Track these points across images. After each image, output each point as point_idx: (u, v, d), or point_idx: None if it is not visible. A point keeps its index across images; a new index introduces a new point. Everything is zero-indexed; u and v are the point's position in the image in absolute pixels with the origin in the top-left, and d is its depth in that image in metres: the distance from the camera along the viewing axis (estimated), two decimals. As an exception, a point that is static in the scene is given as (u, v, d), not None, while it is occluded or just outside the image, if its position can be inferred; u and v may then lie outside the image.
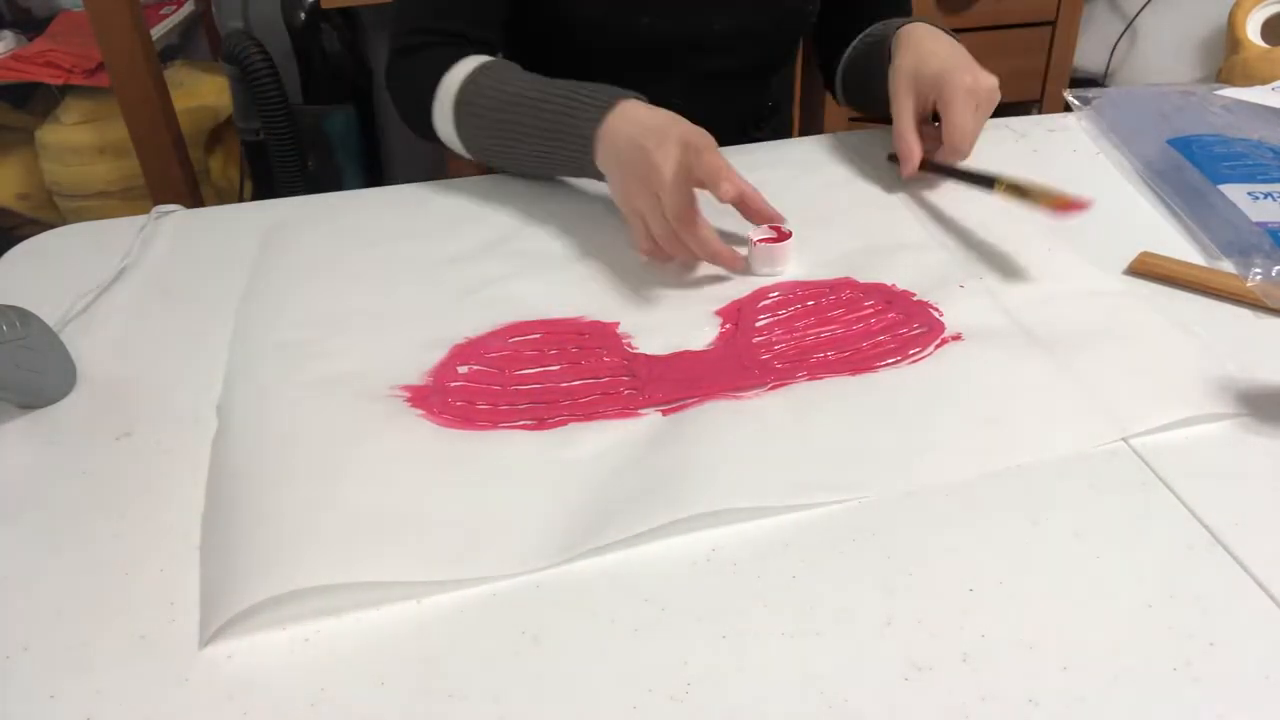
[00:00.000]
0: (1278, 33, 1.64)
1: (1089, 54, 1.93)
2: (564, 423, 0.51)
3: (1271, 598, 0.41)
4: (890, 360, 0.55)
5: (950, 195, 0.74)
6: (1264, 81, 1.54)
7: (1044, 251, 0.65)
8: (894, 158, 0.75)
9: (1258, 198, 0.69)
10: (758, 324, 0.59)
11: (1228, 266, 0.64)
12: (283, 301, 0.62)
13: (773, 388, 0.53)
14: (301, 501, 0.46)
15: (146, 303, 0.63)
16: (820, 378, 0.54)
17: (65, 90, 1.66)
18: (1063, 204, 0.62)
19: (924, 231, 0.69)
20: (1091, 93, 0.87)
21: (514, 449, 0.50)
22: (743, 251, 0.62)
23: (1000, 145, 0.82)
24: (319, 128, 1.75)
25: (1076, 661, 0.39)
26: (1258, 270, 0.61)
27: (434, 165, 1.92)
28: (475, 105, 0.72)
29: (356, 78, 1.84)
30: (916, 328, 0.58)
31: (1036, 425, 0.50)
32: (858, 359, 0.56)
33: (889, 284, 0.62)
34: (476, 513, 0.46)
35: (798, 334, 0.58)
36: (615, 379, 0.54)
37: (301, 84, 1.70)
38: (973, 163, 0.71)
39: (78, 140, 1.67)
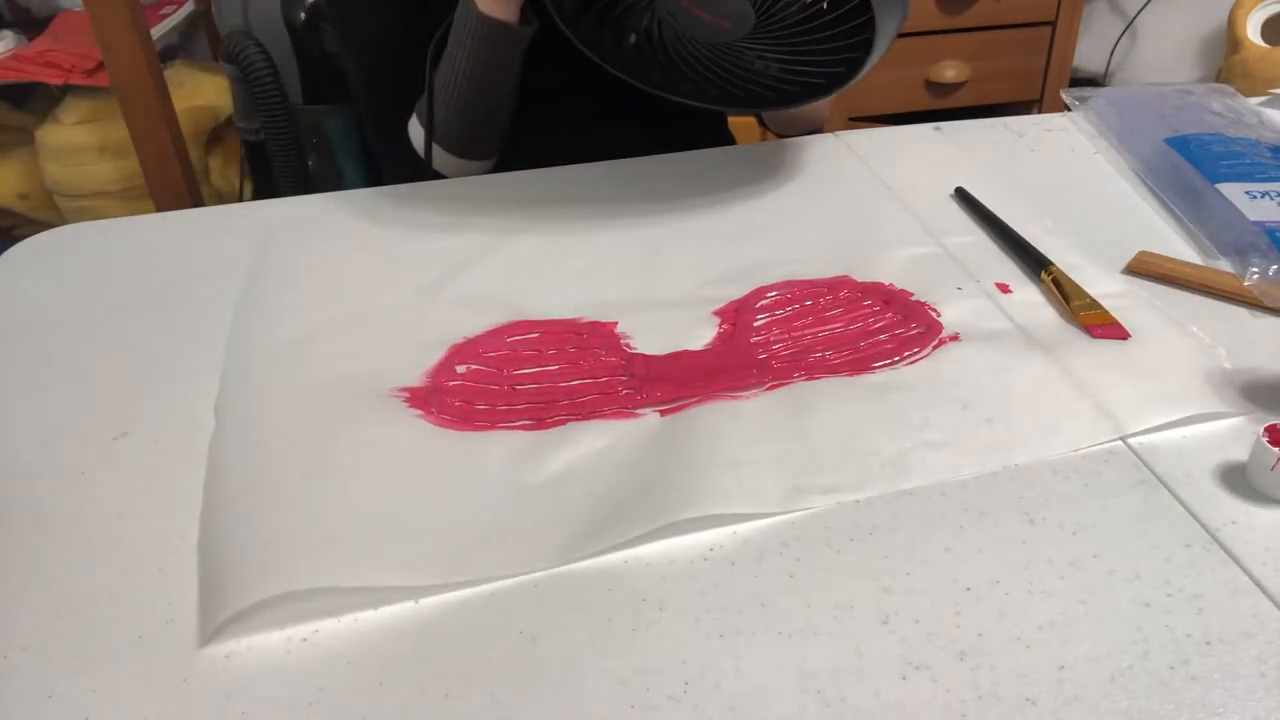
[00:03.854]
0: (1278, 33, 1.64)
1: (1089, 54, 1.93)
2: (562, 422, 0.51)
3: (1269, 597, 0.41)
4: (888, 360, 0.55)
5: (947, 196, 0.74)
6: (1264, 81, 1.55)
7: (1041, 252, 0.65)
8: (961, 191, 0.73)
9: (1255, 197, 0.69)
10: (756, 324, 0.59)
11: (1225, 265, 0.64)
12: (282, 302, 0.62)
13: (771, 388, 0.53)
14: (300, 503, 0.46)
15: (146, 303, 0.63)
16: (818, 377, 0.54)
17: (65, 90, 1.66)
18: (1100, 325, 0.57)
19: (922, 231, 0.69)
20: (1089, 92, 0.87)
21: (513, 449, 0.50)
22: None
23: (999, 145, 0.82)
24: (319, 128, 1.75)
25: (1074, 660, 0.39)
26: (1255, 269, 0.62)
27: (434, 165, 1.92)
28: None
29: (356, 78, 1.84)
30: (914, 328, 0.58)
31: (1034, 425, 0.50)
32: (856, 359, 0.56)
33: (886, 283, 0.62)
34: (475, 515, 0.46)
35: (796, 334, 0.58)
36: (613, 379, 0.55)
37: (301, 84, 1.70)
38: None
39: (78, 140, 1.67)
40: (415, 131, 0.82)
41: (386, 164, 0.91)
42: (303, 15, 1.65)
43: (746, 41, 0.64)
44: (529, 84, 0.80)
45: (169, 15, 1.72)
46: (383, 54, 0.84)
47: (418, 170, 0.82)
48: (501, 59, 0.75)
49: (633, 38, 0.69)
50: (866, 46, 0.61)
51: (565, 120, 0.84)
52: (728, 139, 1.02)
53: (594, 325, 0.59)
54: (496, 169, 0.84)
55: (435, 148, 0.81)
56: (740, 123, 1.83)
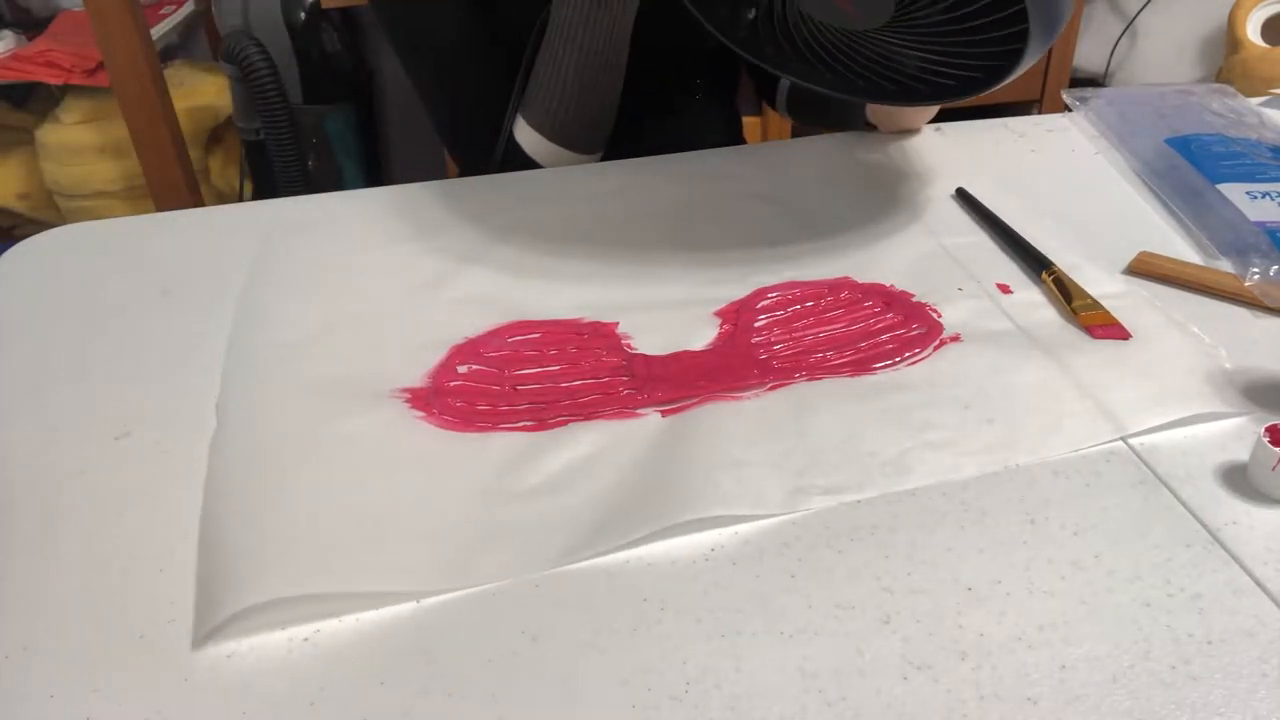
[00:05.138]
0: (1278, 33, 1.64)
1: (1089, 54, 1.93)
2: (564, 423, 0.51)
3: (1270, 597, 0.41)
4: (889, 361, 0.55)
5: (947, 196, 0.74)
6: (1264, 81, 1.54)
7: (1042, 252, 0.65)
8: (961, 192, 0.73)
9: (1256, 197, 0.69)
10: (757, 324, 0.59)
11: (1226, 266, 0.64)
12: (282, 302, 0.62)
13: (771, 388, 0.53)
14: (301, 504, 0.46)
15: (146, 303, 0.63)
16: (819, 378, 0.54)
17: (65, 90, 1.66)
18: (1100, 325, 0.57)
19: (922, 232, 0.69)
20: (1089, 92, 0.87)
21: (514, 450, 0.50)
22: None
23: (999, 145, 0.82)
24: (319, 128, 1.75)
25: (1075, 660, 0.39)
26: (1256, 269, 0.62)
27: (434, 166, 1.92)
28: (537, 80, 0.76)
29: (356, 78, 1.84)
30: (915, 328, 0.58)
31: (1035, 425, 0.50)
32: (857, 360, 0.56)
33: (887, 285, 0.62)
34: (477, 516, 0.46)
35: (797, 334, 0.58)
36: (614, 379, 0.54)
37: (301, 84, 1.70)
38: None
39: (78, 140, 1.67)
40: (525, 135, 0.80)
41: (469, 170, 0.88)
42: (303, 15, 1.65)
43: (881, 33, 0.60)
44: None
45: (169, 15, 1.71)
46: (449, 58, 0.82)
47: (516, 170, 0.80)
48: (620, 20, 0.73)
49: (752, 13, 0.66)
50: (1013, 56, 0.56)
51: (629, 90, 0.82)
52: (741, 140, 1.01)
53: (595, 325, 0.59)
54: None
55: (548, 144, 0.79)
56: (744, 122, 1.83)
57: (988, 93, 0.60)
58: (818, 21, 0.63)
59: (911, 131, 0.83)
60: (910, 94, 0.64)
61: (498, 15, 0.80)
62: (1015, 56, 0.55)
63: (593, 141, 0.81)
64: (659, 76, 0.86)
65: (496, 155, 0.82)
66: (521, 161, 0.81)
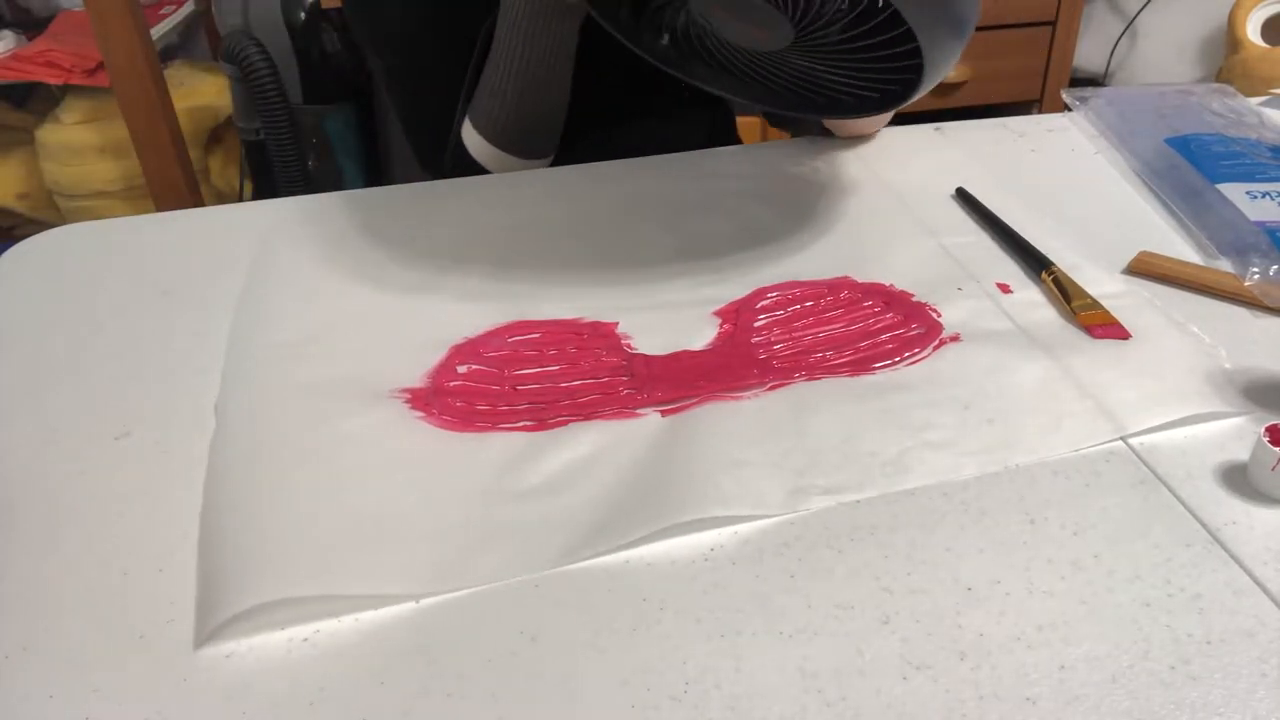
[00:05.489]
0: (1278, 33, 1.64)
1: (1089, 54, 1.93)
2: (564, 423, 0.51)
3: (1269, 596, 0.41)
4: (889, 361, 0.55)
5: (947, 196, 0.74)
6: (1264, 81, 1.55)
7: (1042, 252, 0.65)
8: (961, 192, 0.73)
9: (1256, 197, 0.69)
10: (756, 324, 0.59)
11: (1226, 265, 0.64)
12: (282, 302, 0.62)
13: (771, 388, 0.53)
14: (301, 505, 0.46)
15: (146, 303, 0.63)
16: (819, 378, 0.54)
17: (65, 90, 1.66)
18: (1100, 325, 0.57)
19: (922, 231, 0.69)
20: (1089, 92, 0.87)
21: (514, 450, 0.50)
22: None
23: (999, 145, 0.82)
24: (319, 128, 1.75)
25: (1074, 660, 0.39)
26: (1255, 269, 0.62)
27: (434, 165, 1.92)
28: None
29: (356, 78, 1.84)
30: (915, 328, 0.58)
31: (1035, 425, 0.50)
32: (856, 359, 0.56)
33: (887, 284, 0.62)
34: (477, 517, 0.46)
35: (796, 334, 0.58)
36: (614, 379, 0.55)
37: (301, 84, 1.70)
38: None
39: (78, 140, 1.67)
40: (469, 137, 0.80)
41: (427, 164, 0.88)
42: (303, 15, 1.65)
43: (790, 52, 0.61)
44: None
45: (169, 15, 1.71)
46: (412, 51, 0.83)
47: (467, 171, 0.81)
48: (561, 37, 0.74)
49: (665, 38, 0.67)
50: (920, 69, 0.57)
51: (581, 112, 0.82)
52: (734, 139, 1.01)
53: (595, 325, 0.59)
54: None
55: (491, 148, 0.79)
56: (742, 122, 1.83)
57: (909, 104, 0.61)
58: (732, 45, 0.64)
59: (866, 137, 0.83)
60: (837, 107, 0.65)
61: (456, 14, 0.80)
62: (920, 71, 0.56)
63: (535, 147, 0.81)
64: (646, 78, 0.86)
65: (447, 159, 0.82)
66: (468, 164, 0.81)
